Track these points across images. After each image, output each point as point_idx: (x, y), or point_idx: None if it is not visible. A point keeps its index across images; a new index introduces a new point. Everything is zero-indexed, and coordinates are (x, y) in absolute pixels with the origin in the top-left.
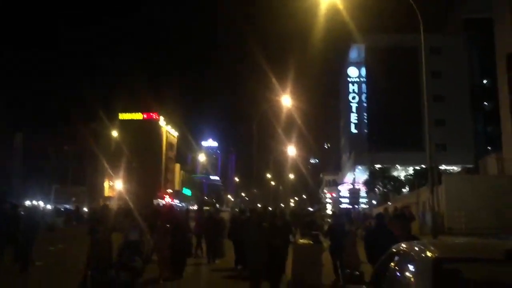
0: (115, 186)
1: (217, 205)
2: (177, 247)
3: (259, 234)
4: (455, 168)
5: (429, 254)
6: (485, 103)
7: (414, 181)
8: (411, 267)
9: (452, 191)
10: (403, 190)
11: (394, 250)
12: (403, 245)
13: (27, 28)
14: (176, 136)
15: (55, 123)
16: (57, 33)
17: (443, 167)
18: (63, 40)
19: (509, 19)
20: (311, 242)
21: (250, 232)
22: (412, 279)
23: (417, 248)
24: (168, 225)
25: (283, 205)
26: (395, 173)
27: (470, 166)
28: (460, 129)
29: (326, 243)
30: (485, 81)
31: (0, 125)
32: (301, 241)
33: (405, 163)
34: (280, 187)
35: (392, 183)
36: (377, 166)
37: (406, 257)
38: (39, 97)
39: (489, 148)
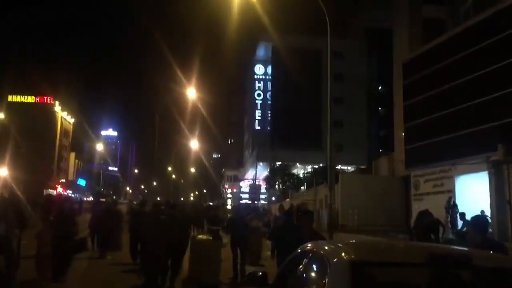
0: None
1: (114, 197)
2: (59, 243)
3: (157, 227)
4: (349, 168)
5: (344, 256)
6: (380, 108)
7: (313, 179)
8: (323, 270)
9: (347, 189)
10: (302, 187)
11: (302, 250)
12: (313, 245)
13: None
14: (72, 123)
15: None
16: None
17: (339, 167)
18: None
19: (407, 30)
20: (210, 237)
21: (147, 225)
22: (324, 283)
23: (330, 249)
24: (51, 218)
25: (182, 199)
26: (294, 171)
27: (364, 166)
28: (356, 131)
29: (226, 238)
30: (380, 87)
31: None
32: (200, 236)
33: (304, 162)
34: (182, 181)
35: (291, 180)
36: (278, 163)
37: (317, 259)
38: None
39: (381, 150)
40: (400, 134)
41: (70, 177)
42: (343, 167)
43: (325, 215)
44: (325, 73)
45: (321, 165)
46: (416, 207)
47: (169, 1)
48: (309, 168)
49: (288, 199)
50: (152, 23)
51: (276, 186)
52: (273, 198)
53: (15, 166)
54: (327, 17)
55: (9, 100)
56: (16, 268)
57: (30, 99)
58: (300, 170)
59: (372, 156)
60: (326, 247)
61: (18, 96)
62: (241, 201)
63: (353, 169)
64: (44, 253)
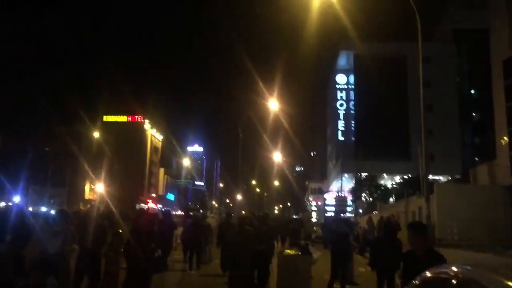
0: (96, 189)
1: (201, 211)
2: (133, 262)
3: (243, 238)
4: (441, 178)
5: None
6: (474, 113)
7: (402, 191)
8: None
9: (443, 200)
10: (390, 199)
11: (437, 276)
12: (461, 270)
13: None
14: (161, 140)
15: (36, 124)
16: (39, 28)
17: (430, 177)
18: (47, 37)
19: (507, 27)
20: (298, 252)
21: (233, 236)
22: None
23: (493, 277)
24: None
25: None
26: (381, 182)
27: (458, 176)
28: (447, 139)
29: (315, 254)
30: (473, 91)
31: None
32: (287, 251)
33: (391, 172)
34: (265, 194)
35: (379, 191)
36: (364, 174)
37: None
38: (20, 97)
39: (476, 159)
40: (503, 139)
41: (160, 192)
42: (435, 177)
43: None
44: (411, 80)
45: (409, 175)
46: None
47: (248, 14)
48: (397, 179)
49: (376, 212)
50: (232, 35)
51: (363, 198)
52: (360, 211)
53: (109, 182)
54: (418, 19)
55: (104, 120)
56: None
57: (123, 118)
58: (387, 181)
59: (467, 165)
60: (484, 273)
61: (112, 116)
62: (326, 214)
63: (446, 179)
64: (112, 272)
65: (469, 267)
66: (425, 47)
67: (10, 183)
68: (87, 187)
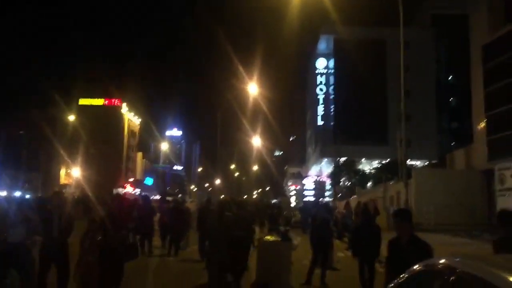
0: (72, 173)
1: (180, 195)
2: (106, 250)
3: (221, 224)
4: (418, 163)
5: None
6: (451, 98)
7: (380, 176)
8: None
9: (421, 185)
10: (368, 184)
11: (430, 267)
12: (452, 262)
13: None
14: (138, 124)
15: (10, 108)
16: (16, 10)
17: (408, 162)
18: (23, 19)
19: (486, 13)
20: (278, 238)
21: (212, 222)
22: None
23: (493, 271)
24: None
25: (245, 197)
26: (359, 167)
27: (435, 161)
28: (424, 125)
29: (295, 240)
30: (451, 77)
31: None
32: (267, 237)
33: (369, 157)
34: (244, 178)
35: (357, 176)
36: (343, 159)
37: (472, 283)
38: None
39: (453, 143)
40: (480, 124)
41: (138, 176)
42: (412, 162)
43: None
44: (390, 65)
45: (387, 160)
46: (501, 204)
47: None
48: (375, 164)
49: (354, 196)
50: (211, 18)
51: (341, 182)
52: (339, 195)
53: (86, 167)
54: (400, 3)
55: (80, 103)
56: (32, 283)
57: (99, 101)
58: (365, 166)
59: (444, 150)
60: (489, 269)
61: (88, 99)
62: (304, 198)
63: (423, 164)
64: (90, 262)
65: (465, 260)
66: (405, 32)
67: None
68: (62, 172)
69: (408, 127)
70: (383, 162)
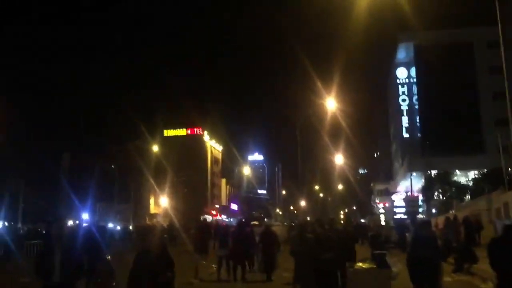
0: (160, 202)
1: (266, 219)
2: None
3: (303, 246)
4: None
5: None
6: None
7: (482, 186)
8: None
9: None
10: (465, 197)
11: None
12: None
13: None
14: (220, 151)
15: (100, 142)
16: (99, 46)
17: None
18: (101, 53)
19: None
20: (373, 265)
21: (294, 245)
22: None
23: None
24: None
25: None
26: (454, 179)
27: None
28: None
29: (395, 267)
30: None
31: (48, 145)
32: (359, 264)
33: (464, 168)
34: (329, 199)
35: (453, 189)
36: (434, 171)
37: None
38: (84, 116)
39: None
40: None
41: (223, 202)
42: None
43: None
44: (480, 67)
45: (485, 170)
46: None
47: (302, 12)
48: (471, 175)
49: (452, 211)
50: (287, 35)
51: (435, 197)
52: (434, 211)
53: (173, 196)
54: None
55: (164, 134)
56: None
57: (182, 132)
58: (460, 178)
59: None
60: None
61: (172, 130)
62: (395, 216)
63: None
64: None
65: None
66: (494, 31)
67: (78, 200)
68: (151, 201)
69: (508, 133)
70: (482, 172)
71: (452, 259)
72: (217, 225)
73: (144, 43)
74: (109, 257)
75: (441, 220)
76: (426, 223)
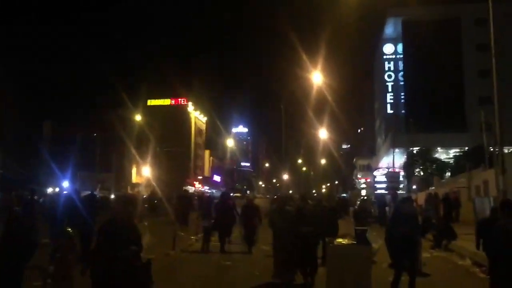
0: (142, 172)
1: (248, 192)
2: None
3: (283, 220)
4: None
5: None
6: None
7: (462, 164)
8: None
9: None
10: (446, 174)
11: None
12: None
13: (48, 6)
14: (205, 122)
15: (83, 110)
16: (81, 14)
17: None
18: (88, 22)
19: None
20: (352, 241)
21: (274, 218)
22: None
23: None
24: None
25: (314, 191)
26: (435, 156)
27: None
28: (509, 107)
29: (376, 243)
30: None
31: (29, 113)
32: (339, 240)
33: (446, 145)
34: (312, 173)
35: (434, 166)
36: (416, 148)
37: None
38: (66, 84)
39: None
40: None
41: (206, 173)
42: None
43: (486, 205)
44: (466, 44)
45: (466, 148)
46: None
47: None
48: (452, 152)
49: (432, 188)
50: (274, 8)
51: (416, 173)
52: (414, 187)
53: (155, 166)
54: None
55: (148, 104)
56: None
57: (166, 101)
58: (442, 155)
59: None
60: None
61: (156, 100)
62: (376, 191)
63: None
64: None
65: None
66: (481, 9)
67: (59, 169)
68: (133, 171)
69: (491, 110)
70: (463, 149)
71: (431, 236)
72: (201, 196)
73: (144, 43)
74: (69, 229)
75: (421, 196)
76: (408, 200)
